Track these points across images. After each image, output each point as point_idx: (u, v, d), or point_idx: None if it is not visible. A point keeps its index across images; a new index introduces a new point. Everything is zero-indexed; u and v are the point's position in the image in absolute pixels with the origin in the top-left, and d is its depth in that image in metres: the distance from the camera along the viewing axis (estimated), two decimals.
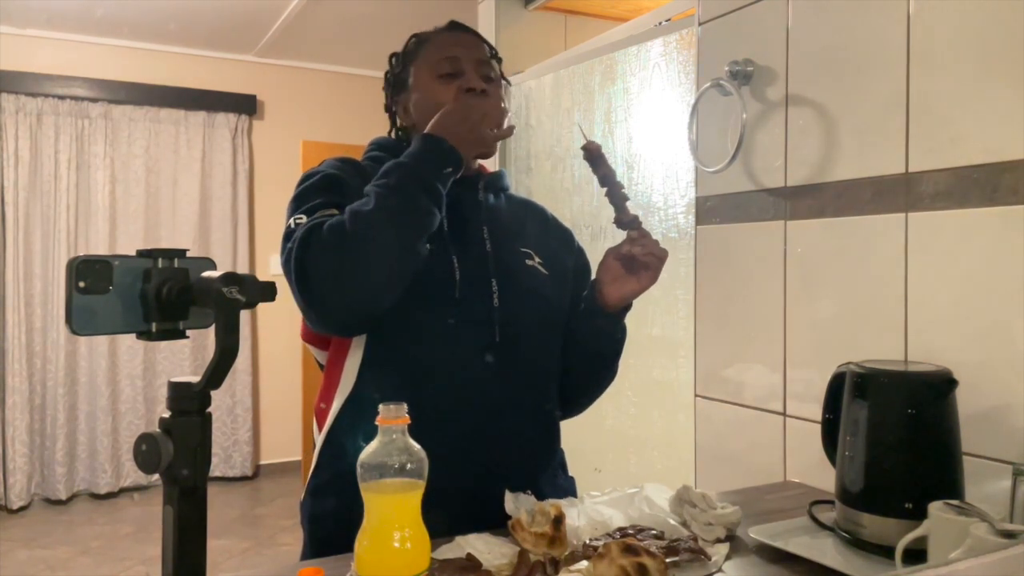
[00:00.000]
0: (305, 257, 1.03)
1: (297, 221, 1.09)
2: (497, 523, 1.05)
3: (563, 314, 1.27)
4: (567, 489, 1.28)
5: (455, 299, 1.14)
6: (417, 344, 1.13)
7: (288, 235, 1.09)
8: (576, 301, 1.29)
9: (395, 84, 1.30)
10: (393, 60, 1.30)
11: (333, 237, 1.02)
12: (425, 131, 1.11)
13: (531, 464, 1.21)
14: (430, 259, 1.11)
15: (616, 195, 1.23)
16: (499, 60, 1.28)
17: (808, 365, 1.49)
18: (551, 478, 1.26)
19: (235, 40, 4.68)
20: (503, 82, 1.28)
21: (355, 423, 1.11)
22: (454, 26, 1.28)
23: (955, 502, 0.94)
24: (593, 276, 1.27)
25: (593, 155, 1.24)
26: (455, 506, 1.00)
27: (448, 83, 1.20)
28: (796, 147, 1.52)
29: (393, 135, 1.31)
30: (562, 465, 1.31)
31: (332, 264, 1.02)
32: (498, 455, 1.15)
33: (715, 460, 1.72)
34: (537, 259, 1.25)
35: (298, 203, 1.14)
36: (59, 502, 4.48)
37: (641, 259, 1.19)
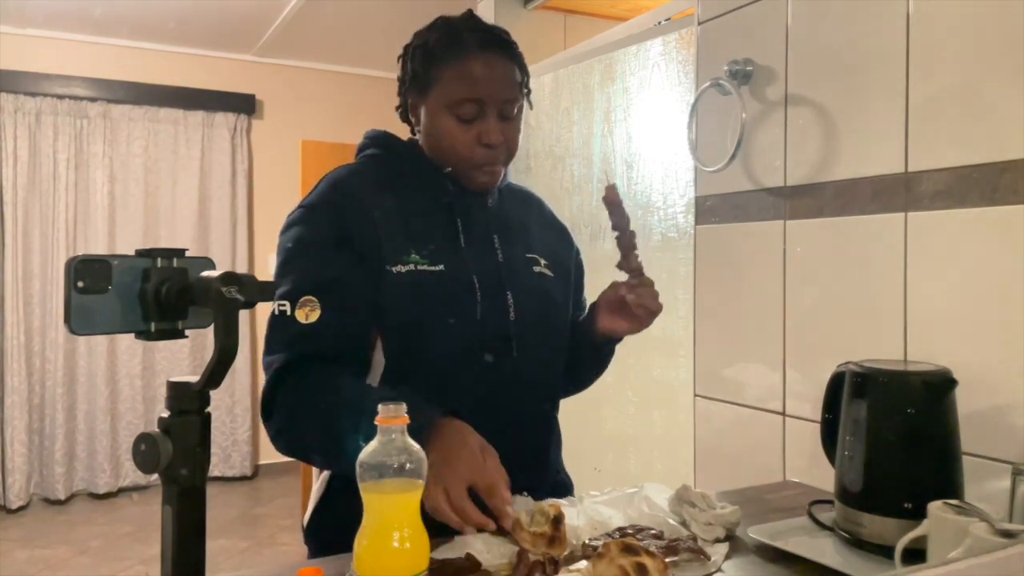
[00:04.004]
0: (268, 409, 1.09)
1: (281, 308, 1.03)
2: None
3: (568, 314, 1.30)
4: (567, 485, 1.30)
5: (477, 320, 1.14)
6: (438, 363, 1.13)
7: (273, 324, 1.10)
8: (576, 301, 1.33)
9: (413, 84, 1.19)
10: (414, 47, 1.19)
11: (287, 418, 1.08)
12: (427, 441, 0.95)
13: (537, 464, 1.23)
14: (454, 280, 1.12)
15: (625, 242, 1.21)
16: (527, 83, 1.20)
17: (807, 365, 1.49)
18: (554, 475, 1.28)
19: (234, 40, 4.67)
20: (526, 104, 1.21)
21: None
22: (488, 43, 1.15)
23: (954, 502, 0.94)
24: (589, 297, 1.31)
25: (609, 202, 1.20)
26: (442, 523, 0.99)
27: (466, 129, 1.14)
28: (795, 147, 1.52)
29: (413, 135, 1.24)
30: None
31: (285, 433, 1.10)
32: (508, 460, 1.14)
33: (715, 460, 1.72)
34: (543, 262, 1.25)
35: (281, 274, 1.11)
36: (58, 502, 4.48)
37: (633, 308, 1.19)
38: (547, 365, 1.24)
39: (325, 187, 1.18)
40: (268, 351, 1.10)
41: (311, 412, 1.05)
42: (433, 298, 1.12)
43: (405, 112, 1.23)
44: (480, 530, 1.02)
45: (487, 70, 1.14)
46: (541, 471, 1.24)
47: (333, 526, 1.16)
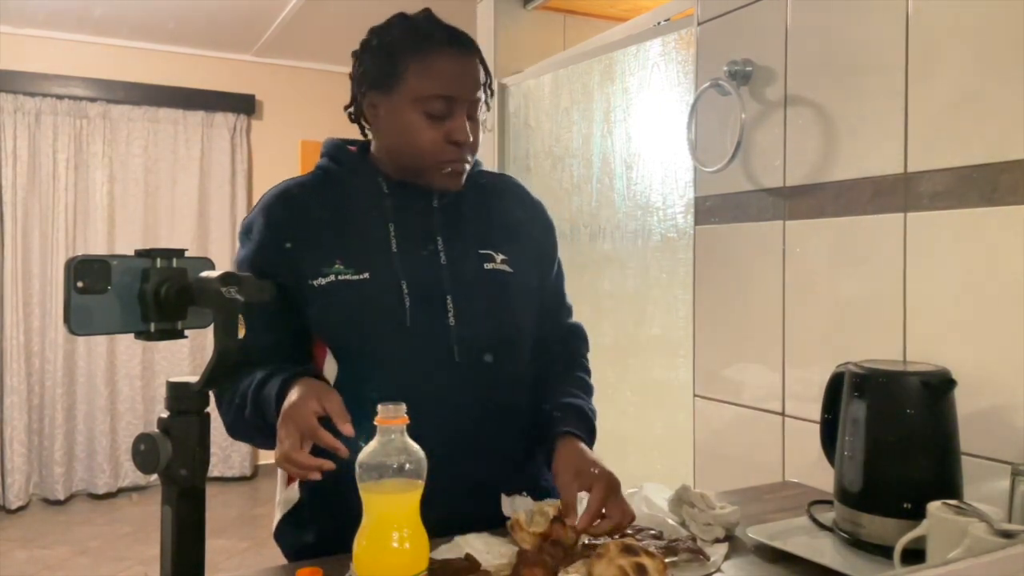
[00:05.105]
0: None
1: None
2: (495, 524, 1.05)
3: (532, 310, 1.23)
4: (553, 488, 1.26)
5: (407, 327, 1.11)
6: (378, 373, 1.11)
7: None
8: (549, 283, 1.28)
9: (375, 81, 1.14)
10: (374, 43, 1.15)
11: (221, 413, 1.15)
12: (282, 398, 1.02)
13: (510, 468, 1.18)
14: (380, 286, 1.11)
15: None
16: (491, 84, 1.18)
17: (807, 365, 1.49)
18: (535, 479, 1.22)
19: (234, 40, 4.67)
20: (485, 107, 1.18)
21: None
22: (454, 41, 1.13)
23: (954, 502, 0.94)
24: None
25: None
26: (441, 524, 0.99)
27: (435, 126, 1.11)
28: (795, 147, 1.52)
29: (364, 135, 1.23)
30: (548, 463, 1.29)
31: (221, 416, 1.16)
32: (474, 467, 1.12)
33: (714, 460, 1.72)
34: (500, 257, 1.19)
35: None
36: (57, 502, 4.48)
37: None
38: (500, 367, 1.17)
39: (256, 211, 1.20)
40: None
41: (230, 395, 1.14)
42: (356, 306, 1.11)
43: (359, 112, 1.20)
44: (482, 530, 1.03)
45: (458, 67, 1.12)
46: (522, 473, 1.19)
47: (302, 531, 1.18)
